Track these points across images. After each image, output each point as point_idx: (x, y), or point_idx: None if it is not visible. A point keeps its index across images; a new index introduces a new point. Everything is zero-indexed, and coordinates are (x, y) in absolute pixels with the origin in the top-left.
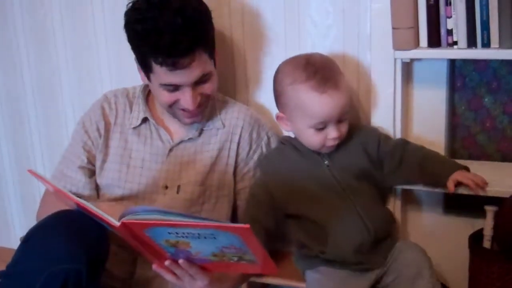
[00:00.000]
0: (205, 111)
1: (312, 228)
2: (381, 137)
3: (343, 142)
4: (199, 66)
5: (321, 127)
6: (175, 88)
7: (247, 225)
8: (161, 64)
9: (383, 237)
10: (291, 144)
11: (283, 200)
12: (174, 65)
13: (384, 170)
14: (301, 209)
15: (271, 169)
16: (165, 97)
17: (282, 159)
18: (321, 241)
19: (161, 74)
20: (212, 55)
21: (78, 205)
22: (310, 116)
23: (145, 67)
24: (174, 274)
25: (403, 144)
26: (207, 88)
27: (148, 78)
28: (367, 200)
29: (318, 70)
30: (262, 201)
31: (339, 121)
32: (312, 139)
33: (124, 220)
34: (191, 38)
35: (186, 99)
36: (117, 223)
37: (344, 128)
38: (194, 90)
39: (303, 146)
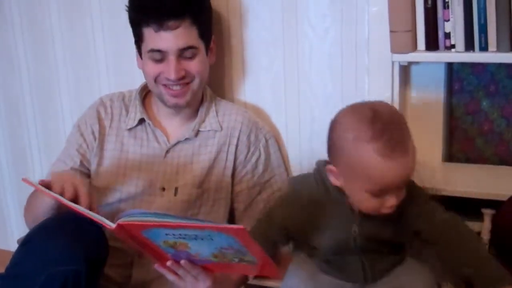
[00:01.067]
0: (190, 94)
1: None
2: (428, 213)
3: None
4: (186, 34)
5: (379, 194)
6: (160, 56)
7: (241, 226)
8: (148, 23)
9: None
10: (324, 185)
11: (295, 229)
12: (160, 24)
13: (419, 239)
14: (308, 242)
15: (296, 197)
16: (151, 69)
17: (309, 194)
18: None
19: (149, 38)
20: (203, 37)
21: (73, 210)
22: (369, 181)
23: (138, 38)
24: (176, 274)
25: (453, 227)
26: (193, 65)
27: (140, 53)
28: (379, 260)
29: (386, 128)
30: (276, 221)
31: (400, 187)
32: (365, 203)
33: (119, 221)
34: (179, 1)
35: (169, 68)
36: (112, 225)
37: (403, 193)
38: (178, 62)
39: (338, 195)
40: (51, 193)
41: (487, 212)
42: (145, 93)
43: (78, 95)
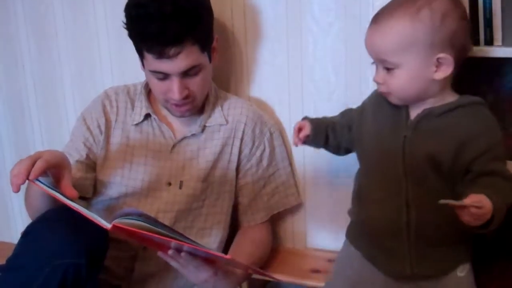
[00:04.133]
0: (195, 106)
1: (360, 190)
2: (484, 154)
3: (440, 115)
4: (188, 57)
5: (375, 64)
6: (164, 76)
7: (229, 256)
8: (149, 51)
9: (430, 242)
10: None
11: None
12: (160, 54)
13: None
14: (359, 160)
15: (366, 107)
16: (155, 85)
17: (378, 105)
18: (361, 207)
19: (150, 60)
20: (205, 49)
21: (72, 209)
22: None
23: (139, 53)
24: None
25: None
26: (197, 81)
27: (143, 64)
28: (427, 197)
29: (392, 2)
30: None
31: (384, 67)
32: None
33: (115, 223)
34: (179, 27)
35: (173, 89)
36: (108, 225)
37: (391, 78)
38: (182, 81)
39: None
40: (50, 190)
41: None
42: (150, 88)
43: (82, 89)
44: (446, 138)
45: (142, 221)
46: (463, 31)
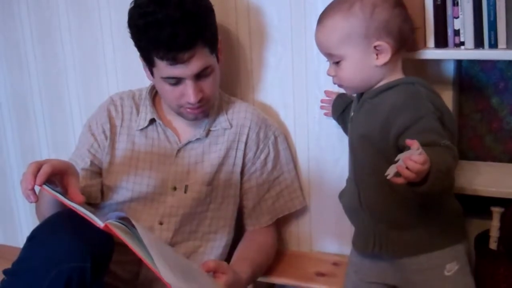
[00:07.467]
0: (209, 108)
1: None
2: (409, 128)
3: (375, 99)
4: (200, 59)
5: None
6: (176, 81)
7: None
8: (162, 58)
9: (386, 222)
10: None
11: None
12: (174, 59)
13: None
14: None
15: None
16: (168, 92)
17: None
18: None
19: (163, 67)
20: (213, 50)
21: (75, 212)
22: None
23: (148, 62)
24: None
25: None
26: (209, 82)
27: (152, 73)
28: (365, 170)
29: (335, 1)
30: None
31: (333, 61)
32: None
33: (107, 223)
34: (190, 31)
35: (188, 93)
36: (101, 224)
37: (339, 70)
38: (196, 84)
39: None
40: (53, 191)
41: (496, 210)
42: (155, 92)
43: (87, 93)
44: (374, 117)
45: (132, 232)
46: (398, 17)
